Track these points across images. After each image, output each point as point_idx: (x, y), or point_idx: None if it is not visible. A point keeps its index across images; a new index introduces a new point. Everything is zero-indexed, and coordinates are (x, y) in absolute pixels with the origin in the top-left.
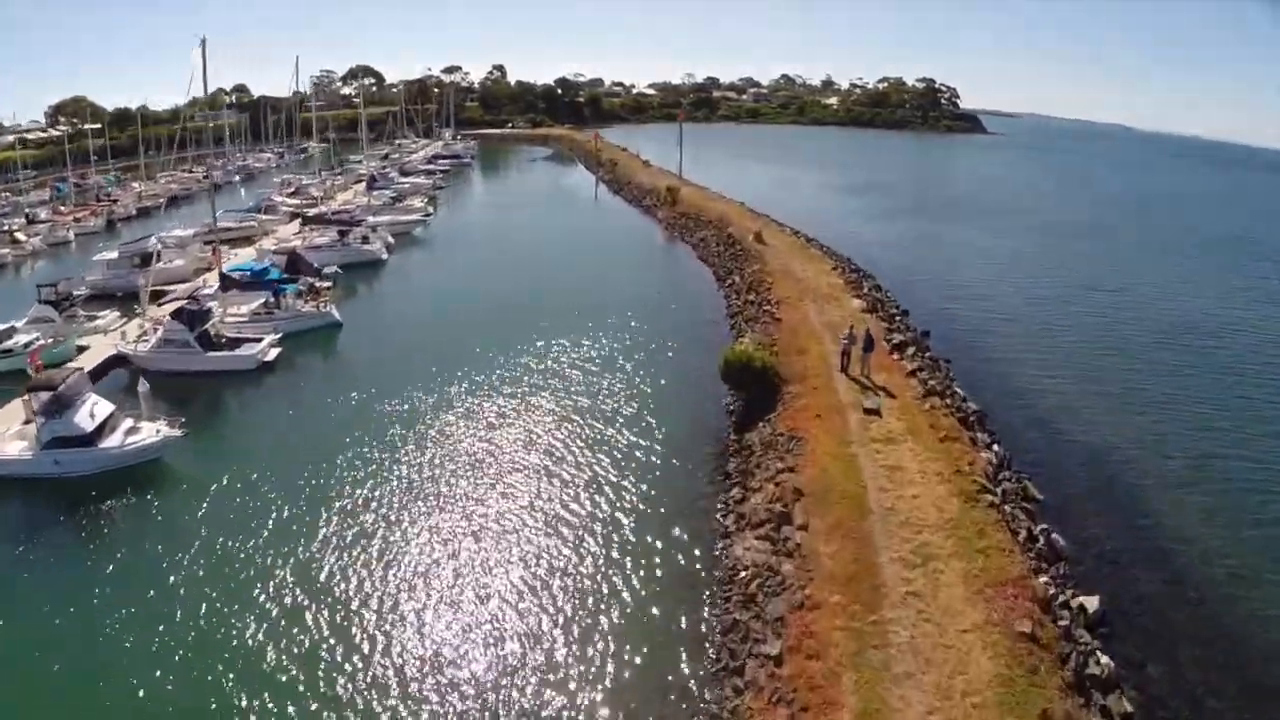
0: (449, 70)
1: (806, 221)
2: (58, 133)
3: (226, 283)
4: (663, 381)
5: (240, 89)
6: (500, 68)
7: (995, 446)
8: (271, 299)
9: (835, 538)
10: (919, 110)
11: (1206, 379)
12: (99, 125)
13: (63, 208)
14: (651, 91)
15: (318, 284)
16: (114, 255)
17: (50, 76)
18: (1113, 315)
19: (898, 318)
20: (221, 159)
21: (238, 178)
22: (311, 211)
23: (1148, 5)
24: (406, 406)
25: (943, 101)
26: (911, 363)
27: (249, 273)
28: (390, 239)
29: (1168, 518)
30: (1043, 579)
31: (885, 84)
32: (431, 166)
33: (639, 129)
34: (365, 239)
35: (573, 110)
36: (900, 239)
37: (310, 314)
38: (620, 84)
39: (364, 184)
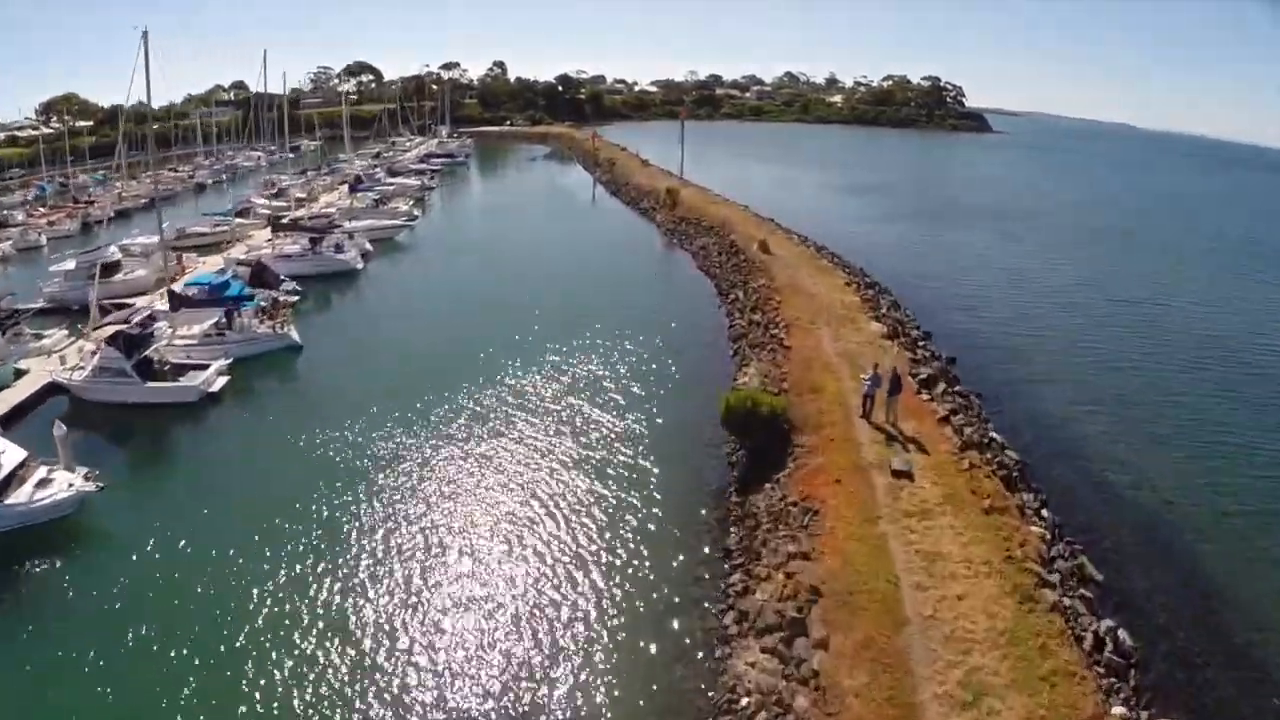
0: (447, 66)
1: (814, 226)
2: (50, 130)
3: (175, 300)
4: (657, 422)
5: (239, 85)
6: (500, 64)
7: (1044, 511)
8: (224, 319)
9: (863, 663)
10: (924, 109)
11: (1260, 407)
12: (90, 123)
13: (41, 208)
14: (654, 89)
15: (284, 298)
16: (71, 265)
17: (49, 74)
18: (1149, 332)
19: (921, 343)
20: (210, 157)
21: (225, 177)
22: (286, 217)
23: (1148, 5)
24: (367, 448)
25: (948, 100)
26: (943, 404)
27: (206, 287)
28: (368, 246)
29: (1235, 588)
30: (1118, 709)
31: (890, 82)
32: (422, 166)
33: (640, 127)
34: (339, 247)
35: (573, 108)
36: (913, 246)
37: (265, 336)
38: (622, 81)
39: (347, 186)
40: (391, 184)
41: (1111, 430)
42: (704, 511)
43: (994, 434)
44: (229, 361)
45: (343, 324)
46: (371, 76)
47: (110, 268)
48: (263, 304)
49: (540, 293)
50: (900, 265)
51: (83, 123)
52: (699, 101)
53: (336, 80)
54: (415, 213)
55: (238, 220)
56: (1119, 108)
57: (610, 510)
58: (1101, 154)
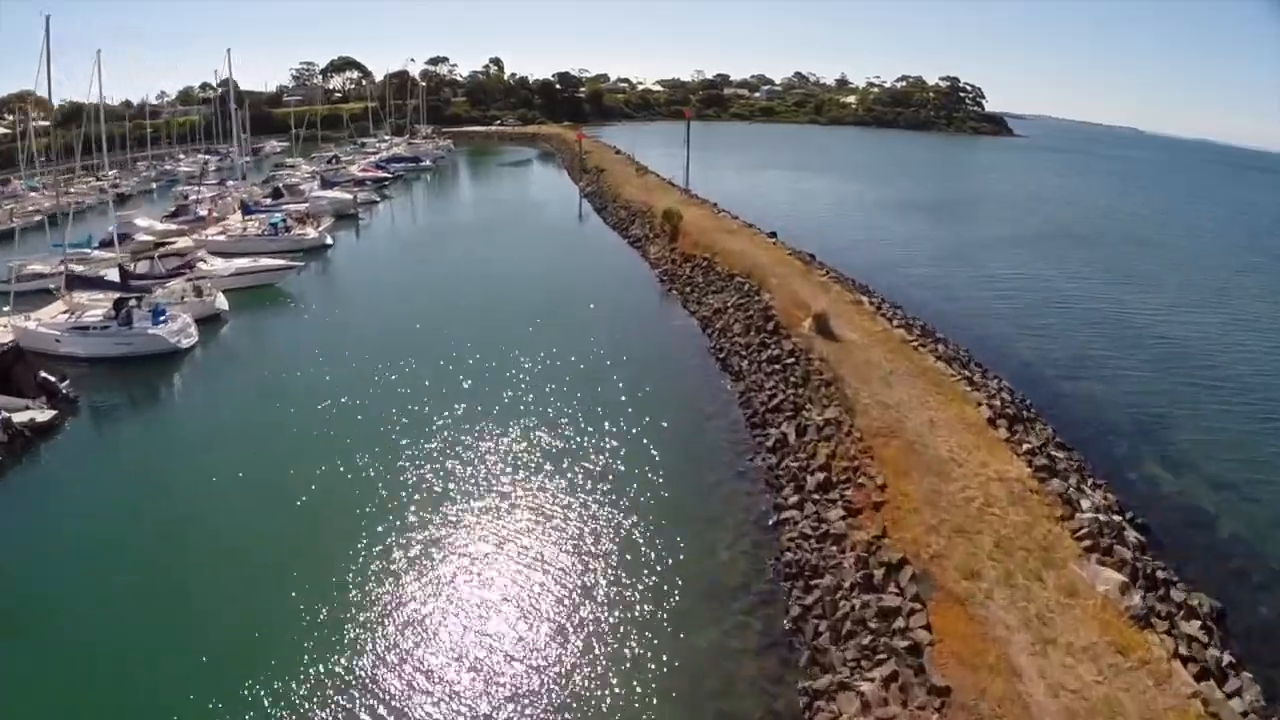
0: (434, 61)
1: (876, 272)
2: (4, 131)
3: None
4: None
5: (224, 84)
6: (497, 61)
7: None
8: None
9: None
10: (943, 110)
11: None
12: (48, 122)
13: None
14: (659, 88)
15: (42, 413)
16: None
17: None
18: None
19: (1178, 608)
20: (145, 161)
21: (155, 185)
22: (138, 258)
23: (1148, 6)
24: None
25: (966, 101)
26: None
27: None
28: (222, 303)
29: None
30: None
31: (905, 82)
32: (367, 175)
33: (644, 127)
34: (158, 313)
35: (572, 107)
36: (1030, 305)
37: None
38: (626, 80)
39: (250, 206)
40: (305, 201)
41: None
42: None
43: None
44: None
45: (120, 463)
46: (359, 73)
47: None
48: None
49: (446, 421)
50: (1033, 355)
51: (43, 122)
52: (706, 101)
53: (320, 77)
54: (328, 240)
55: (97, 254)
56: (1123, 110)
57: None
58: (1143, 161)
